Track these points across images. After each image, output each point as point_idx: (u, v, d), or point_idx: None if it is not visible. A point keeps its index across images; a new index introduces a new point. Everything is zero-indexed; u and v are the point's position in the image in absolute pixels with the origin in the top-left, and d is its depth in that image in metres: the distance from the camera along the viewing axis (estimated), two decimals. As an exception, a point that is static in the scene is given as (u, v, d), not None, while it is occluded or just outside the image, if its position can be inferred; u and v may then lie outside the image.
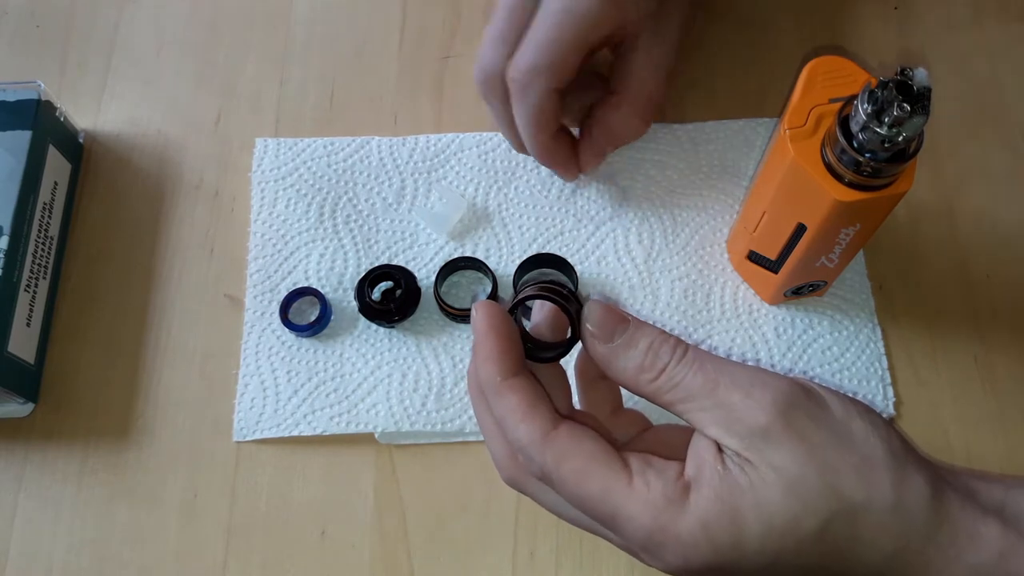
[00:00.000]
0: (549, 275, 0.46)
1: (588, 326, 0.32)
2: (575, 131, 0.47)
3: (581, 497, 0.31)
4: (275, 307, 0.45)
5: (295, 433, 0.43)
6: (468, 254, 0.46)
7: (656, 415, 0.35)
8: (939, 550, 0.29)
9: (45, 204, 0.46)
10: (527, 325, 0.35)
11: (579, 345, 0.33)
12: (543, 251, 0.46)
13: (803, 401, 0.30)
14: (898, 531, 0.29)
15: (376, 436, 0.43)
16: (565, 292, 0.33)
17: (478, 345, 0.32)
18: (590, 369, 0.35)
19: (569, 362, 0.35)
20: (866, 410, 0.31)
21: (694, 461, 0.30)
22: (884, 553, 0.29)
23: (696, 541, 0.29)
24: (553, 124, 0.43)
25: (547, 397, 0.32)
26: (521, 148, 0.46)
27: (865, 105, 0.31)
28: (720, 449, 0.30)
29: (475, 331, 0.32)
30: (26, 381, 0.43)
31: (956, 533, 0.30)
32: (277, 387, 0.44)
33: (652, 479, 0.30)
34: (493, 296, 0.44)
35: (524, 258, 0.45)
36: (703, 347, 0.44)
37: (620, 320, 0.32)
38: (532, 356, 0.33)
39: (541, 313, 0.35)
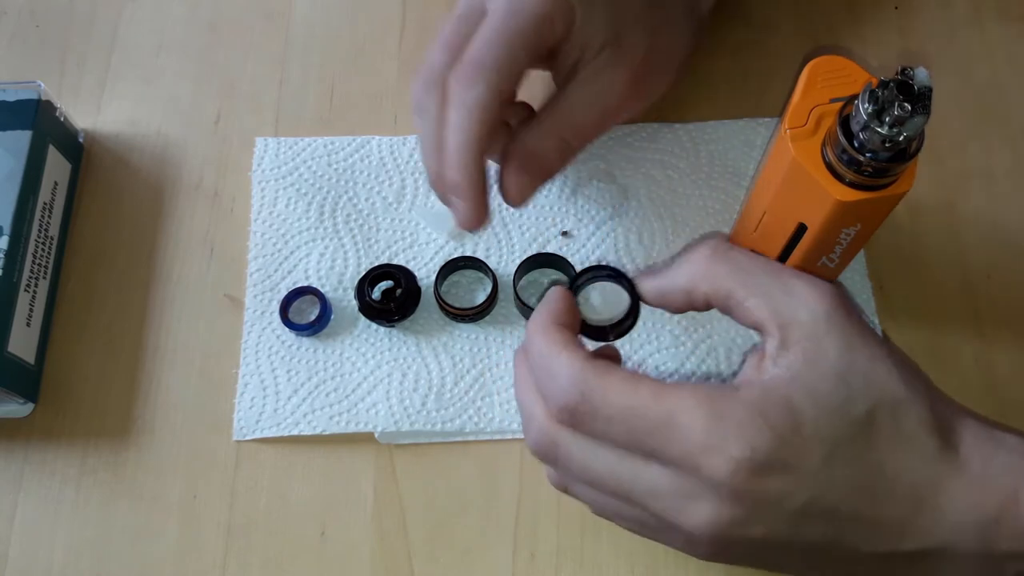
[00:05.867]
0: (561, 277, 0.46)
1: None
2: None
3: (631, 406, 0.30)
4: (275, 306, 0.45)
5: (295, 432, 0.43)
6: (468, 254, 0.46)
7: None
8: (977, 448, 0.31)
9: (45, 204, 0.46)
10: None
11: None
12: (543, 251, 0.46)
13: (850, 303, 0.33)
14: (939, 427, 0.31)
15: (376, 436, 0.43)
16: (615, 272, 0.36)
17: (539, 308, 0.34)
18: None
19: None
20: None
21: (739, 376, 0.33)
22: (927, 452, 0.30)
23: (758, 426, 0.29)
24: (484, 135, 0.38)
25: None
26: (438, 178, 0.39)
27: (866, 105, 0.31)
28: (763, 358, 0.32)
29: (541, 304, 0.34)
30: (26, 381, 0.43)
31: (991, 436, 0.31)
32: (277, 386, 0.44)
33: (697, 384, 0.31)
34: (493, 296, 0.44)
35: (524, 258, 0.45)
36: (703, 346, 0.44)
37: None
38: (597, 337, 0.35)
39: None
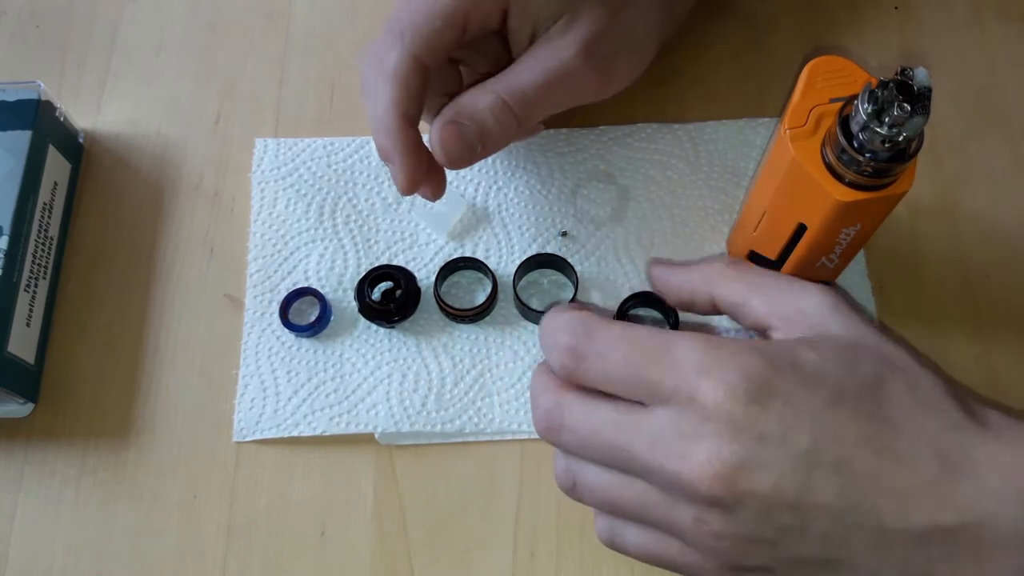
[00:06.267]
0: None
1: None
2: None
3: (630, 338, 0.31)
4: (275, 307, 0.45)
5: (295, 433, 0.43)
6: (468, 254, 0.46)
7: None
8: (1007, 423, 0.30)
9: (45, 204, 0.46)
10: None
11: None
12: (543, 251, 0.46)
13: (853, 301, 0.34)
14: (961, 400, 0.30)
15: (376, 436, 0.43)
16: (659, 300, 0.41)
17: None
18: None
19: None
20: None
21: None
22: (952, 418, 0.29)
23: (755, 357, 0.30)
24: (405, 99, 0.38)
25: None
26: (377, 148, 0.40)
27: (865, 105, 0.31)
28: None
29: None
30: (26, 381, 0.43)
31: (1016, 419, 0.30)
32: (277, 387, 0.44)
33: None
34: (492, 296, 0.44)
35: (524, 258, 0.45)
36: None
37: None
38: None
39: None
